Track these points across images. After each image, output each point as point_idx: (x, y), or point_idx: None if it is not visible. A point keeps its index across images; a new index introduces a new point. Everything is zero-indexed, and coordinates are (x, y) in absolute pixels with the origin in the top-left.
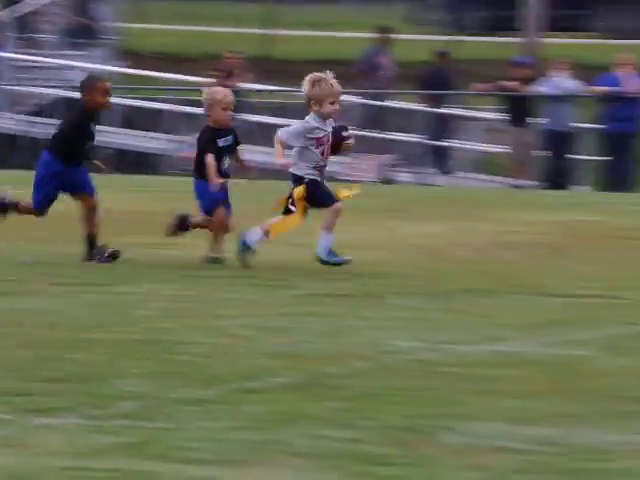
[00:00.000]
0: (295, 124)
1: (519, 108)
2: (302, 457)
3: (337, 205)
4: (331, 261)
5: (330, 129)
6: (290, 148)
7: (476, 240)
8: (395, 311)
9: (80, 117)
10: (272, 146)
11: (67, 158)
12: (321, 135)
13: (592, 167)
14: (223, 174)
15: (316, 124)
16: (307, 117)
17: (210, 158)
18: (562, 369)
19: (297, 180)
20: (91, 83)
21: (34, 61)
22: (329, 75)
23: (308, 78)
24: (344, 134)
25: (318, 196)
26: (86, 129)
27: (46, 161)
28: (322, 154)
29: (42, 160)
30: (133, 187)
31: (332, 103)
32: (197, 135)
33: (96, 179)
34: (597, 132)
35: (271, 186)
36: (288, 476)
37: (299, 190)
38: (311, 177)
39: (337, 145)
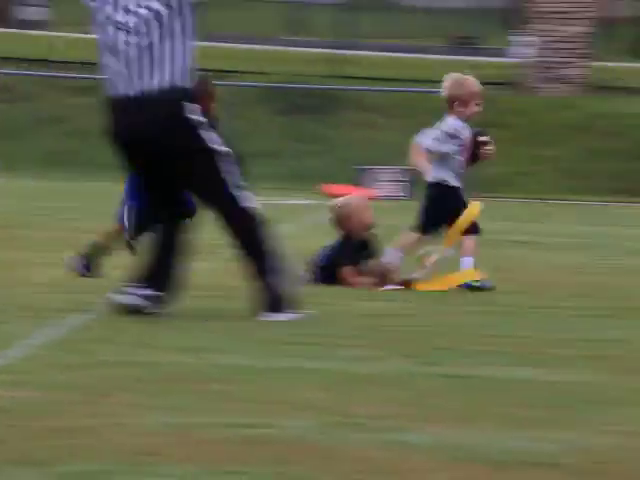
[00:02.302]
0: (435, 130)
1: None
2: None
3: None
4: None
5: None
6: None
7: None
8: None
9: None
10: None
11: None
12: (466, 138)
13: None
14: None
15: (462, 125)
16: (448, 119)
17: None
18: None
19: (435, 187)
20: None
21: None
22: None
23: (450, 77)
24: (481, 139)
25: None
26: None
27: None
28: (464, 163)
29: None
30: None
31: (477, 104)
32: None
33: None
34: None
35: None
36: None
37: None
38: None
39: (474, 153)
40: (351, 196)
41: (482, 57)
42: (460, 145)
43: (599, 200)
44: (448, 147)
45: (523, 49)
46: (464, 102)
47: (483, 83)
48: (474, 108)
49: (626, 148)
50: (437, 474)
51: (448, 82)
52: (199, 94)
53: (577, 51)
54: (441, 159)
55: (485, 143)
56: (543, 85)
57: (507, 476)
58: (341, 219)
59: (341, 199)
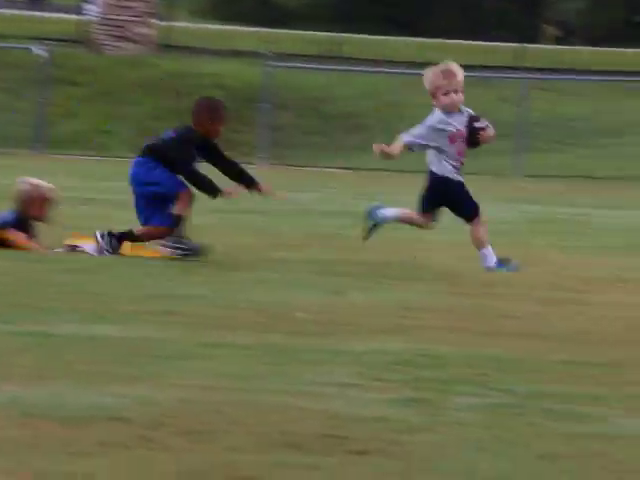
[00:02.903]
0: (419, 126)
1: None
2: None
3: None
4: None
5: (462, 124)
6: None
7: None
8: None
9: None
10: None
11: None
12: (454, 128)
13: None
14: None
15: (444, 118)
16: (434, 113)
17: None
18: None
19: (438, 180)
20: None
21: None
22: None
23: (431, 68)
24: (477, 125)
25: (464, 202)
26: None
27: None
28: (458, 153)
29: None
30: None
31: (456, 92)
32: None
33: None
34: None
35: None
36: None
37: None
38: (458, 178)
39: (473, 139)
40: (42, 184)
41: (52, 13)
42: (448, 137)
43: None
44: (435, 141)
45: (92, 7)
46: (446, 91)
47: (55, 40)
48: (459, 96)
49: None
50: (4, 431)
51: (428, 72)
52: (212, 119)
53: (144, 10)
54: (438, 153)
55: (482, 129)
56: (112, 43)
57: (80, 432)
58: (24, 199)
59: (34, 181)
